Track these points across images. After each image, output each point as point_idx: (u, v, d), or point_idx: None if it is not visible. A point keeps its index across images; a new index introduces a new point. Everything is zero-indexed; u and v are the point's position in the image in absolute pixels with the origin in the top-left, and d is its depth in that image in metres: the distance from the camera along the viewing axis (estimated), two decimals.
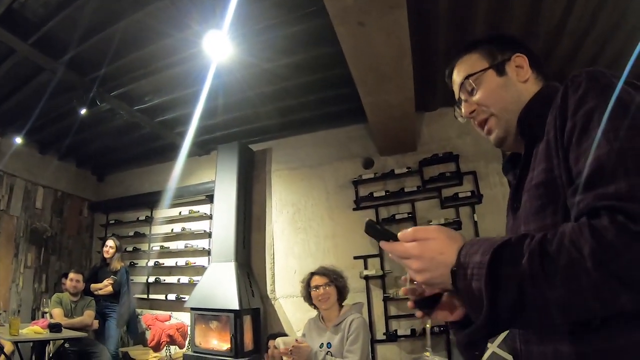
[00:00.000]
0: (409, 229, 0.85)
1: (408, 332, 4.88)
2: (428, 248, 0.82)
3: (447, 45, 4.09)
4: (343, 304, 3.00)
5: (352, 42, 3.39)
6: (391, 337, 4.97)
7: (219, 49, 3.90)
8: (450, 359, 4.67)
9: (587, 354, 0.76)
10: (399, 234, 0.86)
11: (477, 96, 1.10)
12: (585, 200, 0.73)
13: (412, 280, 0.93)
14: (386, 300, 5.10)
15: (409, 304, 0.96)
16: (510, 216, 1.06)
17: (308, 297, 3.03)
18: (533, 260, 0.69)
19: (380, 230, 0.90)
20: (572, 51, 4.22)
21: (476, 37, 1.22)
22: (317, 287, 2.93)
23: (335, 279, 2.97)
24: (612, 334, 0.72)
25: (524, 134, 1.02)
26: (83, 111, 4.90)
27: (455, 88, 1.19)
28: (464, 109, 1.15)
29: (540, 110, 0.97)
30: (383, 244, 0.88)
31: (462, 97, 1.15)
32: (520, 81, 1.07)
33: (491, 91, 1.08)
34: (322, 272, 3.02)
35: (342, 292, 2.98)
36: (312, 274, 3.06)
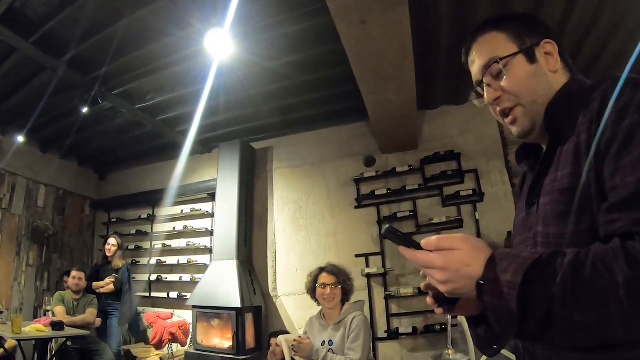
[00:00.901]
0: (433, 237, 0.82)
1: (409, 330, 4.89)
2: (453, 259, 0.79)
3: (449, 43, 4.08)
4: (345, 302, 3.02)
5: (354, 40, 3.38)
6: (392, 334, 4.97)
7: (221, 48, 3.89)
8: None
9: None
10: (423, 242, 0.83)
11: (505, 82, 1.01)
12: (621, 222, 0.71)
13: None
14: (387, 298, 5.10)
15: (428, 299, 0.94)
16: (525, 210, 1.03)
17: (312, 292, 3.04)
18: (565, 283, 0.68)
19: (401, 238, 0.86)
20: (572, 51, 4.19)
21: (494, 15, 1.10)
22: (324, 285, 2.94)
23: (344, 281, 2.98)
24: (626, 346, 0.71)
25: (549, 129, 0.97)
26: (84, 110, 4.88)
27: (475, 68, 1.08)
28: (487, 94, 1.05)
29: (568, 106, 0.93)
30: (404, 249, 0.85)
31: (485, 81, 1.05)
32: (551, 71, 1.00)
33: (522, 80, 1.00)
34: (332, 270, 3.03)
35: (347, 294, 3.00)
36: (321, 269, 3.06)
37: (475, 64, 1.08)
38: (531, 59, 1.00)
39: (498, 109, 1.05)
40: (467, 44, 1.12)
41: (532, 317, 0.70)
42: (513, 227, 1.14)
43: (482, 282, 0.76)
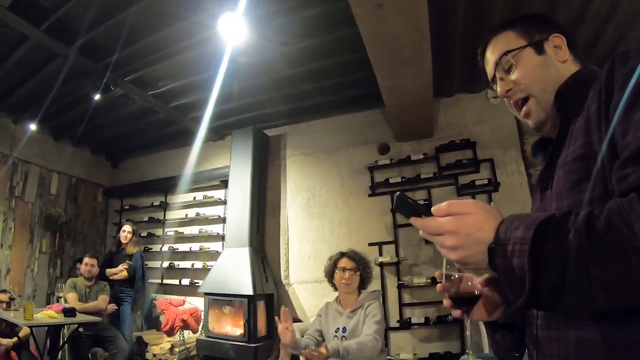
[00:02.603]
0: (443, 203, 0.80)
1: (422, 320, 4.85)
2: (464, 223, 0.76)
3: (465, 29, 4.01)
4: (362, 290, 2.99)
5: (370, 24, 3.32)
6: (405, 324, 4.94)
7: (234, 32, 3.85)
8: (463, 348, 4.65)
9: (617, 342, 0.70)
10: (433, 209, 0.81)
11: (515, 75, 1.05)
12: (636, 174, 0.69)
13: (447, 277, 0.90)
14: (400, 287, 5.06)
15: (445, 302, 0.92)
16: (538, 197, 1.01)
17: (331, 275, 3.01)
18: (580, 236, 0.64)
19: (411, 205, 0.84)
20: (592, 38, 4.12)
21: (507, 17, 1.15)
22: (344, 269, 2.92)
23: (363, 268, 2.97)
24: None
25: (560, 110, 0.97)
26: (97, 97, 4.89)
27: (490, 67, 1.13)
28: (499, 87, 1.10)
29: (579, 88, 0.92)
30: (414, 220, 0.83)
31: (498, 75, 1.09)
32: (559, 61, 1.03)
33: (530, 70, 1.03)
34: (353, 256, 3.01)
35: (364, 282, 2.98)
36: (343, 254, 3.04)
37: (489, 62, 1.13)
38: (539, 51, 1.04)
39: (511, 101, 1.08)
40: (481, 46, 1.17)
41: (546, 277, 0.67)
42: None
43: (494, 246, 0.73)
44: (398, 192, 0.87)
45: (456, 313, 0.92)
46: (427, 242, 5.02)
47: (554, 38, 1.04)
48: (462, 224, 0.76)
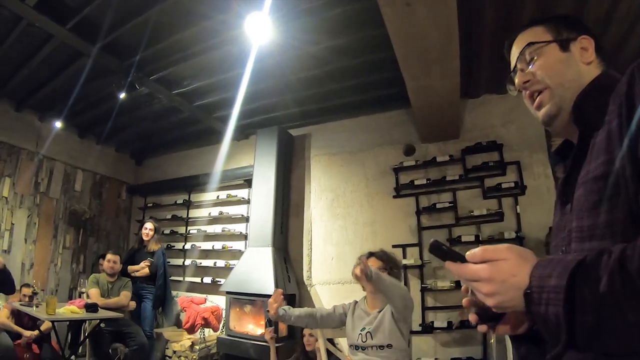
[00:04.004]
0: (477, 249, 0.79)
1: (444, 325, 4.78)
2: (499, 270, 0.75)
3: (493, 29, 3.93)
4: None
5: (398, 23, 3.27)
6: (427, 328, 4.86)
7: (260, 31, 3.83)
8: (485, 354, 4.57)
9: None
10: (467, 254, 0.80)
11: (535, 66, 1.04)
12: None
13: (473, 291, 0.86)
14: (424, 290, 4.99)
15: (471, 317, 0.89)
16: (559, 210, 1.00)
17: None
18: (612, 281, 0.62)
19: (446, 252, 0.83)
20: (621, 38, 4.01)
21: (539, 16, 1.14)
22: None
23: (390, 268, 2.93)
24: None
25: (579, 122, 0.95)
26: (122, 95, 4.93)
27: (513, 58, 1.12)
28: (517, 78, 1.08)
29: (597, 98, 0.90)
30: (450, 264, 0.82)
31: (519, 66, 1.08)
32: (584, 62, 1.01)
33: (551, 64, 1.02)
34: (381, 256, 2.99)
35: None
36: (371, 254, 3.02)
37: (513, 54, 1.13)
38: (564, 48, 1.02)
39: (527, 93, 1.07)
40: (508, 42, 1.16)
41: (581, 322, 0.65)
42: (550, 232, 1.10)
43: (529, 292, 0.72)
44: (433, 240, 0.85)
45: (482, 328, 0.90)
46: (451, 245, 4.95)
47: (582, 39, 1.02)
48: (496, 271, 0.76)
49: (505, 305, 0.76)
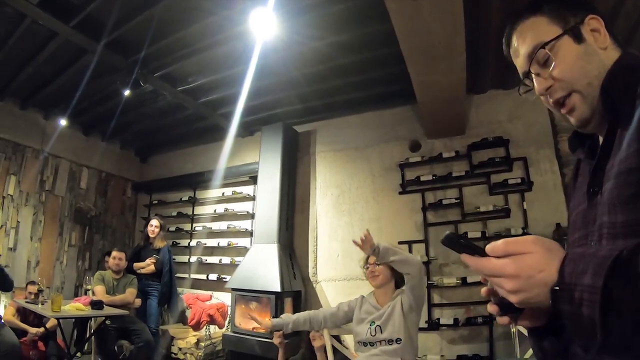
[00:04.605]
0: (500, 242, 0.72)
1: (451, 322, 4.76)
2: (525, 265, 0.69)
3: (499, 24, 3.87)
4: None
5: (404, 18, 3.24)
6: (433, 325, 4.84)
7: (265, 27, 3.81)
8: (492, 351, 4.55)
9: None
10: (487, 248, 0.73)
11: (555, 70, 0.92)
12: None
13: None
14: (430, 287, 4.96)
15: (491, 307, 0.83)
16: (586, 201, 0.92)
17: (366, 268, 2.96)
18: None
19: (464, 245, 0.76)
20: (629, 32, 3.94)
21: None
22: (369, 264, 2.85)
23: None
24: None
25: (608, 107, 0.87)
26: (126, 92, 4.92)
27: (520, 60, 1.01)
28: (537, 85, 0.97)
29: (625, 80, 0.83)
30: (467, 257, 0.75)
31: (533, 70, 0.97)
32: (600, 48, 0.92)
33: (572, 63, 0.91)
34: None
35: (395, 276, 2.87)
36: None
37: (520, 55, 1.00)
38: (578, 38, 0.93)
39: (551, 100, 0.96)
40: (506, 33, 1.05)
41: (618, 325, 0.60)
42: (568, 222, 1.03)
43: (557, 289, 0.67)
44: (448, 232, 0.78)
45: (503, 320, 0.83)
46: None
47: (590, 20, 0.93)
48: (522, 266, 0.69)
49: (530, 302, 0.70)
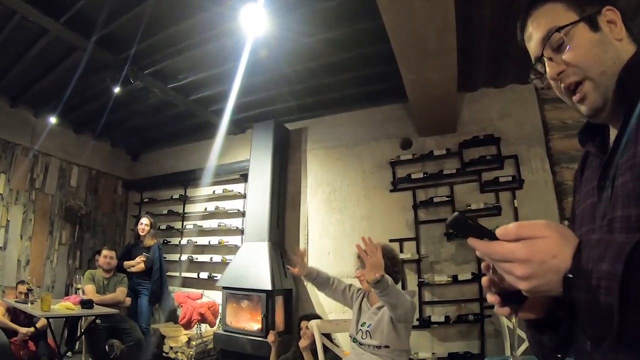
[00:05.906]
0: (511, 225, 0.69)
1: (442, 319, 4.77)
2: (537, 249, 0.66)
3: (492, 22, 3.88)
4: None
5: (395, 15, 3.23)
6: (424, 323, 4.85)
7: (255, 24, 3.80)
8: (483, 349, 4.56)
9: None
10: (498, 231, 0.69)
11: (568, 54, 0.90)
12: None
13: (495, 269, 0.77)
14: (421, 285, 4.98)
15: (491, 298, 0.80)
16: (595, 195, 0.90)
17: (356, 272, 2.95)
18: None
19: (473, 227, 0.72)
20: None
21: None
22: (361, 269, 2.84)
23: (387, 266, 2.84)
24: None
25: (624, 100, 0.84)
26: (117, 90, 4.88)
27: (533, 44, 0.99)
28: (549, 68, 0.94)
29: None
30: (474, 241, 0.71)
31: (546, 54, 0.94)
32: (616, 39, 0.90)
33: (587, 49, 0.89)
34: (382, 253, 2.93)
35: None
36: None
37: (533, 39, 0.98)
38: (594, 27, 0.90)
39: (562, 85, 0.93)
40: (521, 19, 1.02)
41: (635, 316, 0.58)
42: (573, 217, 1.02)
43: (571, 276, 0.64)
44: (457, 213, 0.74)
45: (503, 311, 0.81)
46: (448, 239, 4.95)
47: (607, 12, 0.92)
48: (534, 251, 0.66)
49: (541, 289, 0.67)
